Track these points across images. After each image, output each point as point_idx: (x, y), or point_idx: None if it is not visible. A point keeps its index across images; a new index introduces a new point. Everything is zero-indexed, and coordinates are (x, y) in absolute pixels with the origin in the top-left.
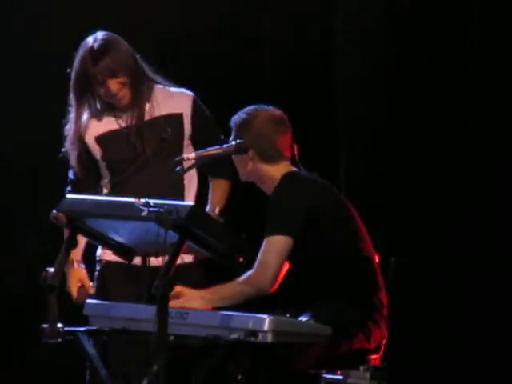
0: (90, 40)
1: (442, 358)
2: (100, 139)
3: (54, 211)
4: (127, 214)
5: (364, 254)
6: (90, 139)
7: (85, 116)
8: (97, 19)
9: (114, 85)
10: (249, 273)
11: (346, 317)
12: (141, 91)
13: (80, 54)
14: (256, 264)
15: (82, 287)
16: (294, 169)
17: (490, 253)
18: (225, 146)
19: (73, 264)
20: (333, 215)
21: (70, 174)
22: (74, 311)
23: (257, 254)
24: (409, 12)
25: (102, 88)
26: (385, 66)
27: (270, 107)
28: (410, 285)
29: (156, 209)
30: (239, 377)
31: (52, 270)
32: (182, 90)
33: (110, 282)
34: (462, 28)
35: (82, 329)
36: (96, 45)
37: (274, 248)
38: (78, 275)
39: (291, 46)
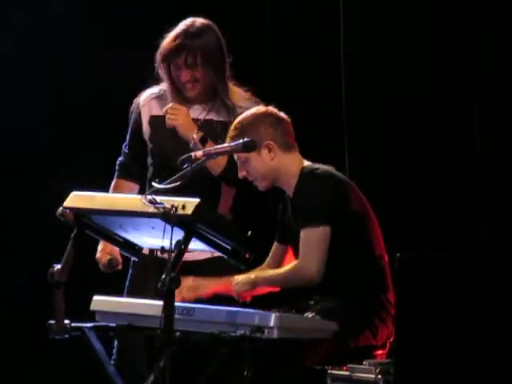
0: (188, 22)
1: (449, 354)
2: (153, 120)
3: (61, 208)
4: (134, 210)
5: (376, 252)
6: (144, 117)
7: (153, 91)
8: None
9: (186, 73)
10: (294, 264)
11: (353, 314)
12: (212, 91)
13: (176, 30)
14: (300, 256)
15: (112, 259)
16: (307, 161)
17: (500, 248)
18: (232, 144)
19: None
20: (351, 211)
21: (124, 146)
22: (80, 307)
23: (262, 251)
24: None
25: (175, 70)
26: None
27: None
28: (415, 280)
29: (162, 205)
30: (245, 373)
31: (59, 266)
32: (246, 103)
33: (140, 277)
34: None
35: (88, 325)
36: (194, 28)
37: (315, 239)
38: (108, 247)
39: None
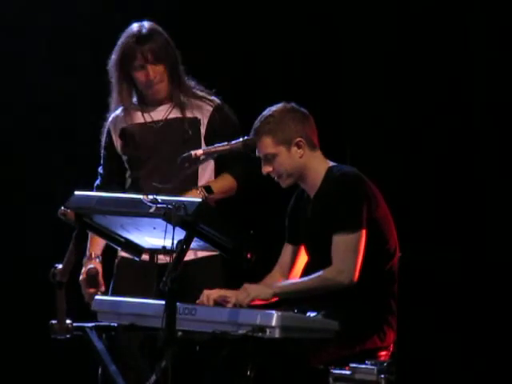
0: (136, 25)
1: (450, 353)
2: (122, 133)
3: (63, 208)
4: (135, 210)
5: (394, 260)
6: (114, 133)
7: (117, 108)
8: None
9: (153, 71)
10: (327, 270)
11: (362, 319)
12: (175, 88)
13: (125, 35)
14: (337, 261)
15: (94, 282)
16: (331, 162)
17: (501, 248)
18: (233, 142)
19: (90, 258)
20: (378, 216)
21: (100, 168)
22: (82, 307)
23: (264, 251)
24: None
25: (139, 72)
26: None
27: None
28: (417, 280)
29: (164, 205)
30: (248, 372)
31: (60, 266)
32: (208, 94)
33: (123, 278)
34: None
35: (90, 324)
36: (144, 29)
37: (354, 243)
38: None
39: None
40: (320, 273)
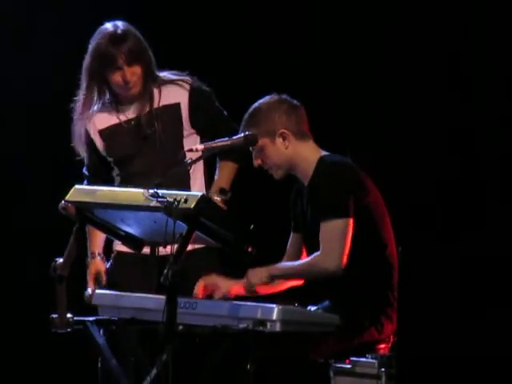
0: (109, 25)
1: (450, 347)
2: (103, 133)
3: (63, 202)
4: (136, 204)
5: (388, 250)
6: (94, 134)
7: (90, 108)
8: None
9: (130, 73)
10: (314, 256)
11: (360, 311)
12: (149, 85)
13: (99, 36)
14: (323, 247)
15: (99, 279)
16: (324, 151)
17: (501, 243)
18: (234, 137)
19: (93, 256)
20: (369, 205)
21: (84, 170)
22: (83, 301)
23: (265, 244)
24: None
25: (115, 74)
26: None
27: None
28: (417, 273)
29: (164, 199)
30: (248, 366)
31: (61, 260)
32: (181, 77)
33: (120, 273)
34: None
35: (91, 319)
36: (119, 30)
37: (339, 230)
38: (94, 267)
39: None
40: (308, 258)
